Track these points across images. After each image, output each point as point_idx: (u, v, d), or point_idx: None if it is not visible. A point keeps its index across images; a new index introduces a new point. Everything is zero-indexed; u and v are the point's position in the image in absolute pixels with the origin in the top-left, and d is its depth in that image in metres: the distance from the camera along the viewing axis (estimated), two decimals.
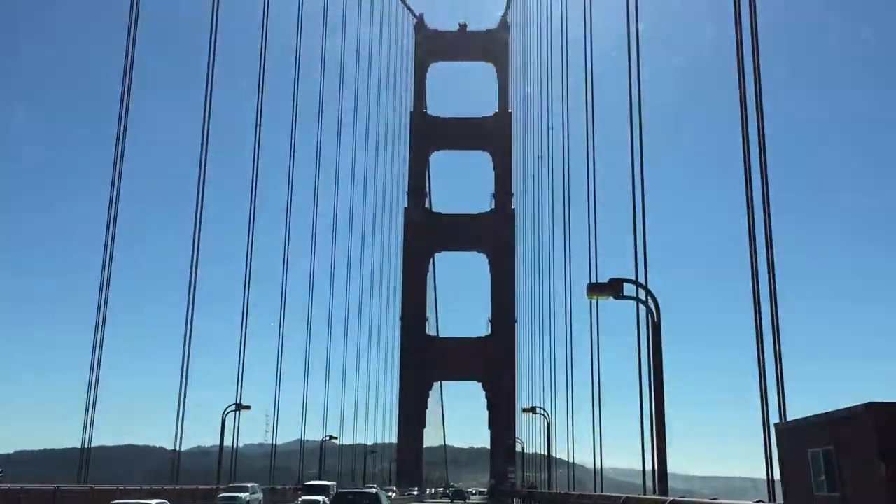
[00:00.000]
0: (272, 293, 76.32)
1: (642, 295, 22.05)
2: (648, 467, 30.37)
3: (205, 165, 54.61)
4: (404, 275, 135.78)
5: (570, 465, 73.86)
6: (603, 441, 47.22)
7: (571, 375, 62.18)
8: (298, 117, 78.13)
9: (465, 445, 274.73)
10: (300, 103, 79.07)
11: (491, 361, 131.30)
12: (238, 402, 50.31)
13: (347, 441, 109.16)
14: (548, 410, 79.25)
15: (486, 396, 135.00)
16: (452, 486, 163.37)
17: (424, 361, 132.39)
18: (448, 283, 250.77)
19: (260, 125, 65.95)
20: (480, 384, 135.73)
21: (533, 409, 56.57)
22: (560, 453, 74.24)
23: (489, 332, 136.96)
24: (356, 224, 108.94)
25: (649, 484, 30.94)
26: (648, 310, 20.80)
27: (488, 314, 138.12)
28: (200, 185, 54.32)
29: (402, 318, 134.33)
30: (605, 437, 48.76)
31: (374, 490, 33.27)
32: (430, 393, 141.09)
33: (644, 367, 32.34)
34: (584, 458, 53.63)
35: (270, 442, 71.34)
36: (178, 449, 48.22)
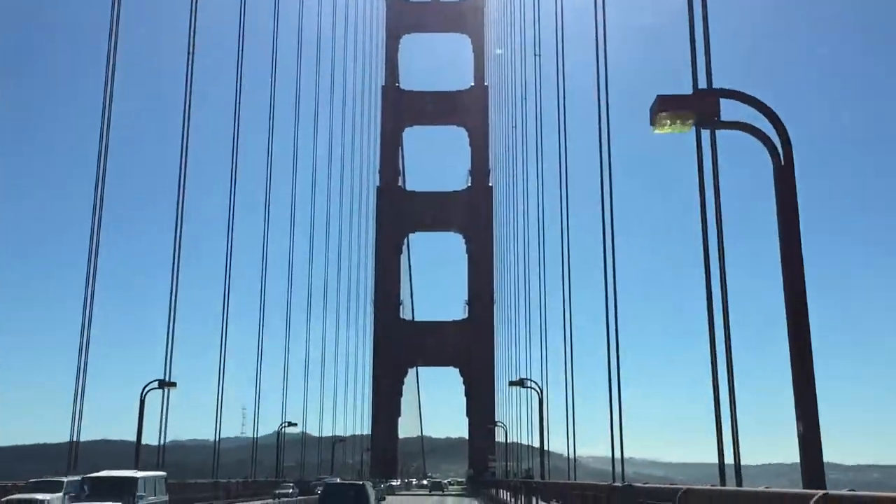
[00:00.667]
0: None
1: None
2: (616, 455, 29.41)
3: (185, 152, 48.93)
4: (377, 257, 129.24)
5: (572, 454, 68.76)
6: (576, 429, 45.09)
7: (546, 362, 56.89)
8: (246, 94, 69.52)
9: (442, 435, 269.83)
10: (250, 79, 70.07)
11: (468, 346, 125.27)
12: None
13: (316, 432, 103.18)
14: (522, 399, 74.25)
15: (464, 382, 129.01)
16: (430, 477, 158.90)
17: (399, 347, 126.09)
18: (423, 265, 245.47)
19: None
20: (458, 370, 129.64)
21: (521, 382, 50.15)
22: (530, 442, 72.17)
23: (466, 315, 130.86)
24: (324, 204, 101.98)
25: (623, 471, 29.90)
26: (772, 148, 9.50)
27: (465, 297, 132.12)
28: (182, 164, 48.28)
29: (375, 303, 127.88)
30: (578, 424, 46.46)
31: (360, 483, 32.77)
32: (406, 380, 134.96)
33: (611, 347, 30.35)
34: (556, 447, 52.62)
35: (247, 435, 69.03)
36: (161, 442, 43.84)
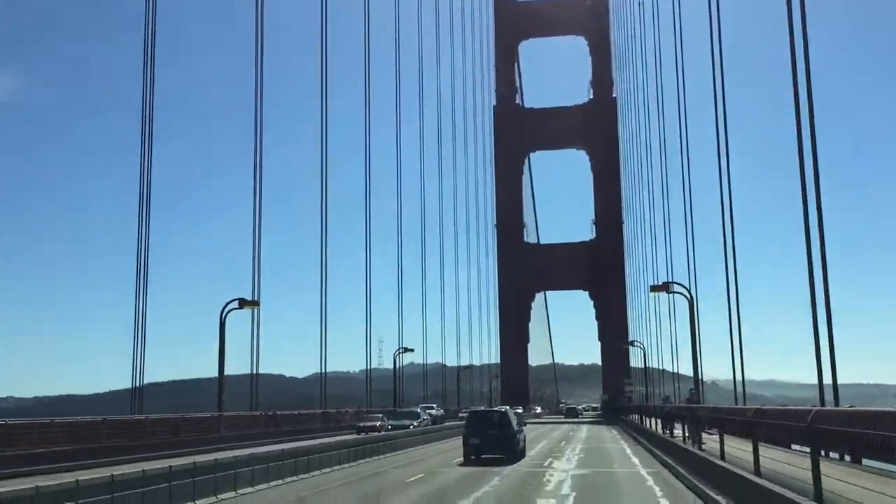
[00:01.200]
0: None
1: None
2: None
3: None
4: (497, 180, 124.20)
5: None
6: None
7: (695, 270, 50.51)
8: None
9: (575, 362, 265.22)
10: None
11: (597, 268, 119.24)
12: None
13: (445, 361, 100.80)
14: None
15: (595, 306, 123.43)
16: (564, 403, 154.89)
17: (524, 272, 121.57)
18: (546, 185, 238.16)
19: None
20: (588, 293, 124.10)
21: (666, 286, 43.20)
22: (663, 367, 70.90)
23: (594, 235, 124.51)
24: (437, 125, 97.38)
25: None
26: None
27: (592, 216, 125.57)
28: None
29: (498, 227, 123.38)
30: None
31: (503, 409, 34.58)
32: (534, 306, 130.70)
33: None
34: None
35: (385, 367, 68.82)
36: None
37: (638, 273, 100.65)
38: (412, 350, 65.88)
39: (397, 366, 59.40)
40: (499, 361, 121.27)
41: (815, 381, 22.29)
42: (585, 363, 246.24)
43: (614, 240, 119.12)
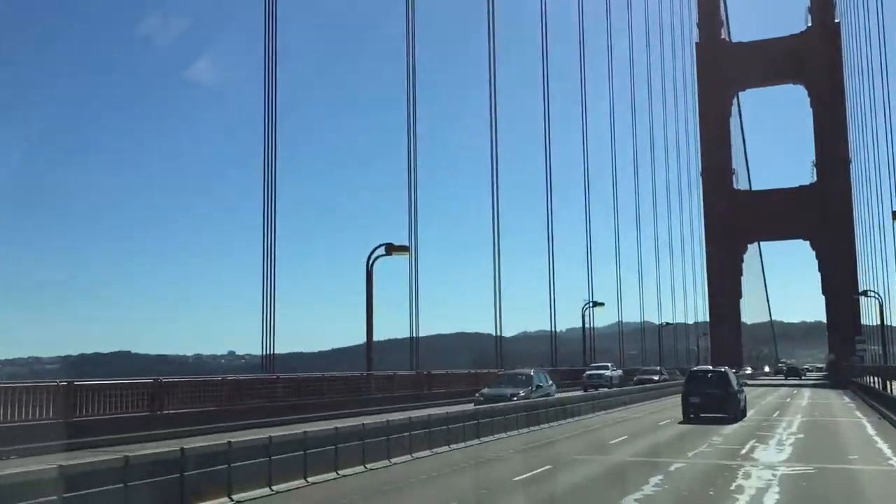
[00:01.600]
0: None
1: None
2: None
3: None
4: (701, 121, 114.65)
5: None
6: None
7: None
8: None
9: (796, 320, 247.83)
10: None
11: (820, 213, 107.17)
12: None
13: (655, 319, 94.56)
14: None
15: (817, 257, 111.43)
16: (783, 363, 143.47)
17: (735, 221, 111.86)
18: (758, 126, 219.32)
19: None
20: (808, 243, 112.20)
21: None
22: None
23: (815, 178, 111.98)
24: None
25: None
26: None
27: (812, 158, 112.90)
28: None
29: (703, 173, 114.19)
30: None
31: (722, 369, 33.51)
32: (747, 258, 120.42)
33: None
34: None
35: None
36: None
37: (869, 217, 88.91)
38: (602, 304, 61.19)
39: (586, 323, 54.66)
40: (707, 319, 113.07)
41: None
42: (808, 321, 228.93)
43: (840, 182, 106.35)
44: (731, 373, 32.48)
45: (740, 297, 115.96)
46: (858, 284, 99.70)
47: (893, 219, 36.01)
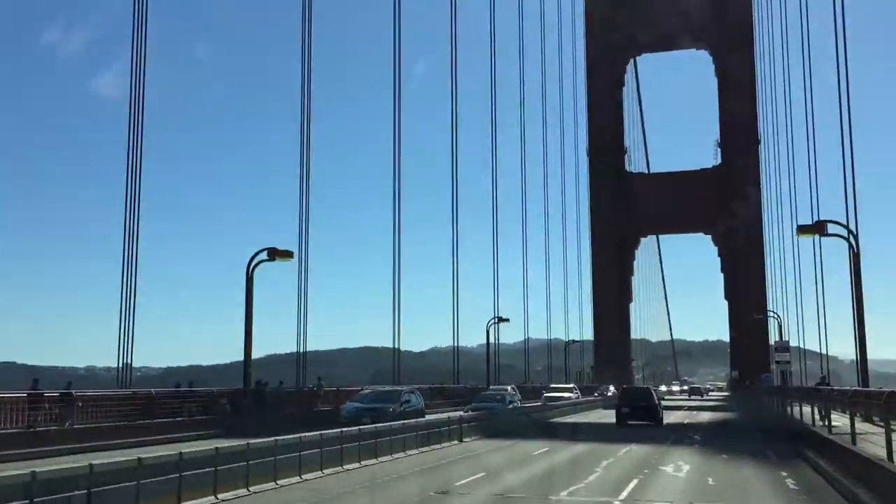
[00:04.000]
0: None
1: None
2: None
3: None
4: (589, 91, 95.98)
5: None
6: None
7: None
8: None
9: (698, 338, 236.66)
10: None
11: (723, 201, 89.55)
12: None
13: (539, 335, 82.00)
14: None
15: (719, 255, 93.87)
16: (685, 381, 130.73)
17: (625, 208, 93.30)
18: (659, 98, 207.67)
19: None
20: (710, 237, 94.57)
21: (819, 227, 26.03)
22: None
23: (719, 160, 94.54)
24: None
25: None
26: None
27: (716, 136, 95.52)
28: None
29: (589, 152, 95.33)
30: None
31: (648, 387, 44.90)
32: (639, 254, 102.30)
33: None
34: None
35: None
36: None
37: (779, 208, 71.42)
38: (507, 320, 55.18)
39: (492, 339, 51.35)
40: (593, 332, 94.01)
41: None
42: (710, 339, 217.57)
43: (747, 166, 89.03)
44: (654, 390, 42.56)
45: (630, 300, 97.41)
46: (767, 294, 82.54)
47: (799, 234, 28.79)
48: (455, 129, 55.90)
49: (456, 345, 56.87)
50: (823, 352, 50.57)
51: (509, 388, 38.95)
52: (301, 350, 39.61)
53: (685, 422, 39.30)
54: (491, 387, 39.30)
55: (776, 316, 61.05)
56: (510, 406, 35.98)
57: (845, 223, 27.92)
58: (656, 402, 36.80)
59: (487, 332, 49.83)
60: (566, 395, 47.90)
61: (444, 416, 27.31)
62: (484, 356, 54.66)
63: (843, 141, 38.17)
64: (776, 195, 73.22)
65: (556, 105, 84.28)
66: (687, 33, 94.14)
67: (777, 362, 44.08)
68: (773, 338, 67.46)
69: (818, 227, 25.99)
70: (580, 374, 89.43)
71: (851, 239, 24.13)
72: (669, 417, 40.54)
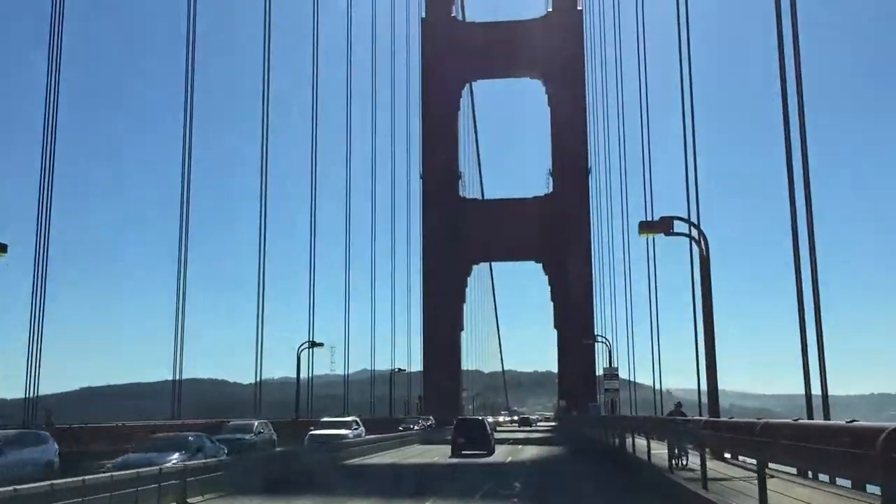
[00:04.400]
0: None
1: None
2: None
3: None
4: (424, 115, 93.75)
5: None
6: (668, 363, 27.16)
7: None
8: None
9: (529, 369, 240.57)
10: None
11: (555, 229, 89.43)
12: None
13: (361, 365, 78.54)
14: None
15: (550, 283, 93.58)
16: (514, 411, 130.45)
17: (458, 235, 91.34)
18: (495, 125, 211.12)
19: None
20: (541, 265, 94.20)
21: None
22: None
23: (550, 189, 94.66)
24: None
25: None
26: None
27: (549, 165, 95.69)
28: None
29: (423, 177, 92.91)
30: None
31: (481, 418, 44.58)
32: (472, 281, 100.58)
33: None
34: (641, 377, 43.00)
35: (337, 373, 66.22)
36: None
37: (609, 236, 71.47)
38: (321, 344, 48.33)
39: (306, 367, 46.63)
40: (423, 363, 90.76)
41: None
42: (539, 370, 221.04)
43: (576, 195, 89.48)
44: (487, 421, 43.31)
45: (462, 328, 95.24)
46: (595, 322, 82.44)
47: (640, 232, 24.53)
48: (265, 141, 49.09)
49: (259, 374, 50.41)
50: (654, 382, 49.04)
51: (257, 422, 31.18)
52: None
53: (507, 460, 34.00)
54: (232, 421, 31.46)
55: (605, 341, 59.99)
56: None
57: (692, 221, 25.12)
58: (489, 432, 38.55)
59: (298, 358, 43.01)
60: (342, 431, 37.78)
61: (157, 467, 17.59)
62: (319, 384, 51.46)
63: (687, 155, 35.93)
64: (607, 223, 73.24)
65: (386, 127, 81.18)
66: (523, 60, 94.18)
67: (606, 390, 41.79)
68: (602, 365, 66.86)
69: (663, 225, 22.25)
70: (407, 406, 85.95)
71: (701, 241, 20.98)
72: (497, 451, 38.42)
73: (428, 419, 65.79)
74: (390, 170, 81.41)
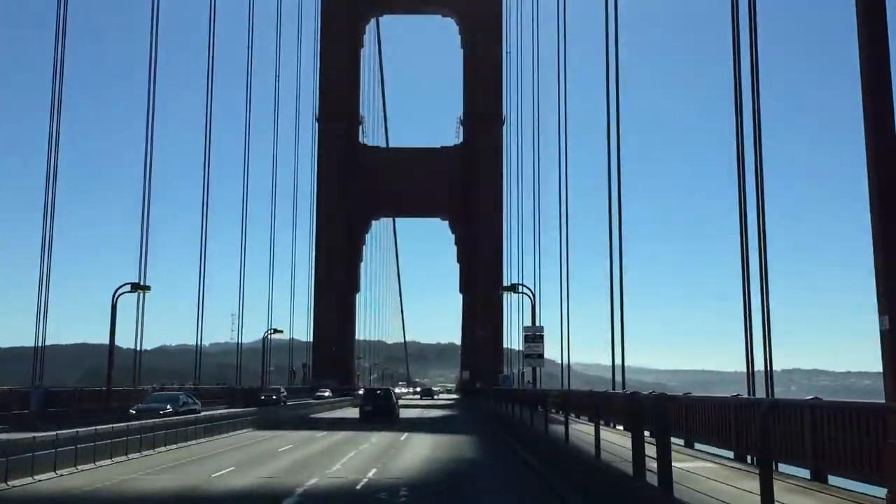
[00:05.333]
0: None
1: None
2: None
3: None
4: (323, 49, 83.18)
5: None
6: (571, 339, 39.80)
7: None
8: None
9: (432, 341, 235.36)
10: None
11: (465, 182, 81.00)
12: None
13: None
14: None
15: (456, 243, 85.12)
16: (416, 383, 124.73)
17: (356, 185, 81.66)
18: (403, 65, 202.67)
19: None
20: (447, 222, 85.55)
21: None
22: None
23: (461, 139, 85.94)
24: None
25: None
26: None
27: (460, 113, 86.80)
28: None
29: (319, 119, 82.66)
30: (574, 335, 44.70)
31: (388, 388, 48.85)
32: (370, 239, 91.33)
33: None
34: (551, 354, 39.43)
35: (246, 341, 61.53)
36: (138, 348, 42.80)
37: (519, 193, 63.99)
38: (148, 288, 37.98)
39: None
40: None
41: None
42: (443, 342, 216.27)
43: (489, 146, 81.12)
44: (393, 391, 45.96)
45: (357, 289, 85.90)
46: (504, 277, 74.71)
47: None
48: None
49: (199, 342, 52.46)
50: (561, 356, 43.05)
51: (182, 394, 33.92)
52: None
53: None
54: (161, 391, 36.30)
55: (531, 295, 50.90)
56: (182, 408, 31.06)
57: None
58: (395, 401, 41.39)
59: (114, 307, 32.79)
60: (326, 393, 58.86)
61: (225, 411, 32.62)
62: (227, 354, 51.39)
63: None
64: (517, 177, 65.44)
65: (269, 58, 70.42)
66: None
67: (527, 356, 32.66)
68: (515, 331, 59.60)
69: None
70: (292, 375, 76.58)
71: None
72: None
73: (324, 391, 63.05)
74: (273, 107, 70.90)
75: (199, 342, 54.00)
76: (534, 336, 30.73)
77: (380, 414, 38.23)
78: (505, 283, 74.72)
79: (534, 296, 35.94)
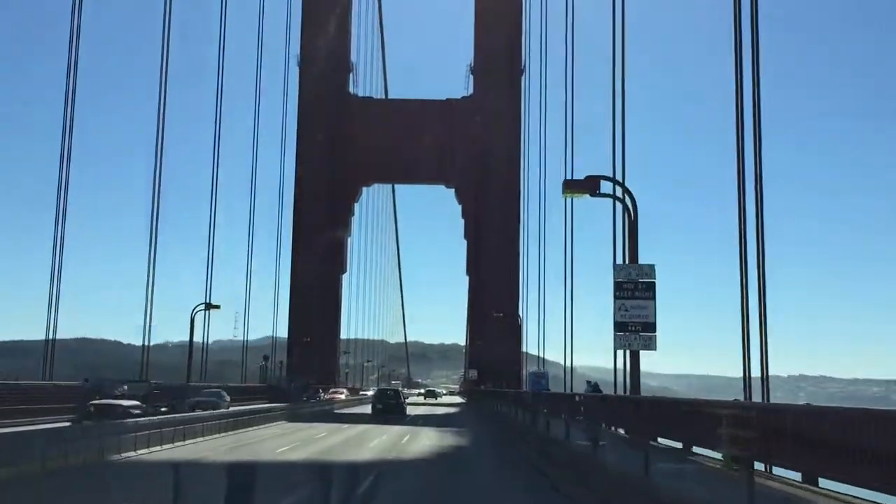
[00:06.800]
0: None
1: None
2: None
3: None
4: None
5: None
6: (576, 340, 41.50)
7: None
8: None
9: (435, 341, 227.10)
10: None
11: (475, 142, 67.10)
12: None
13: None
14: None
15: (463, 215, 71.23)
16: (418, 384, 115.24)
17: (344, 143, 67.76)
18: (400, 9, 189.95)
19: None
20: (454, 191, 71.66)
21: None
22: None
23: (470, 91, 72.02)
24: None
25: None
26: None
27: (470, 60, 72.94)
28: None
29: (301, 65, 68.79)
30: (579, 336, 41.13)
31: (398, 388, 55.14)
32: (359, 208, 77.50)
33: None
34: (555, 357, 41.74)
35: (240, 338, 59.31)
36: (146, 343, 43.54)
37: (540, 158, 50.86)
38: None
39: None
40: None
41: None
42: (446, 342, 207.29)
43: (504, 99, 67.23)
44: (401, 390, 55.23)
45: (344, 270, 72.01)
46: (520, 267, 61.41)
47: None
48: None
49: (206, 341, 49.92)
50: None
51: (223, 391, 37.77)
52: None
53: None
54: (204, 390, 37.15)
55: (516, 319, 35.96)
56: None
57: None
58: (402, 400, 48.29)
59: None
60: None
61: (263, 406, 38.46)
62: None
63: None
64: (538, 140, 52.09)
65: None
66: None
67: (621, 325, 21.18)
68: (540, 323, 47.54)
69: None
70: (264, 372, 63.40)
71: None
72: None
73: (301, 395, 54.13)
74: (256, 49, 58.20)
75: (245, 340, 56.02)
76: (635, 284, 15.44)
77: (389, 411, 43.46)
78: (521, 266, 61.17)
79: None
